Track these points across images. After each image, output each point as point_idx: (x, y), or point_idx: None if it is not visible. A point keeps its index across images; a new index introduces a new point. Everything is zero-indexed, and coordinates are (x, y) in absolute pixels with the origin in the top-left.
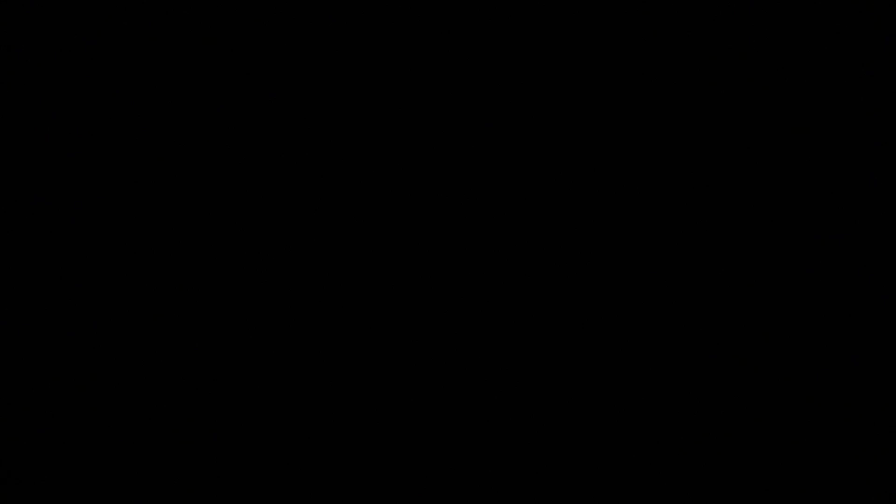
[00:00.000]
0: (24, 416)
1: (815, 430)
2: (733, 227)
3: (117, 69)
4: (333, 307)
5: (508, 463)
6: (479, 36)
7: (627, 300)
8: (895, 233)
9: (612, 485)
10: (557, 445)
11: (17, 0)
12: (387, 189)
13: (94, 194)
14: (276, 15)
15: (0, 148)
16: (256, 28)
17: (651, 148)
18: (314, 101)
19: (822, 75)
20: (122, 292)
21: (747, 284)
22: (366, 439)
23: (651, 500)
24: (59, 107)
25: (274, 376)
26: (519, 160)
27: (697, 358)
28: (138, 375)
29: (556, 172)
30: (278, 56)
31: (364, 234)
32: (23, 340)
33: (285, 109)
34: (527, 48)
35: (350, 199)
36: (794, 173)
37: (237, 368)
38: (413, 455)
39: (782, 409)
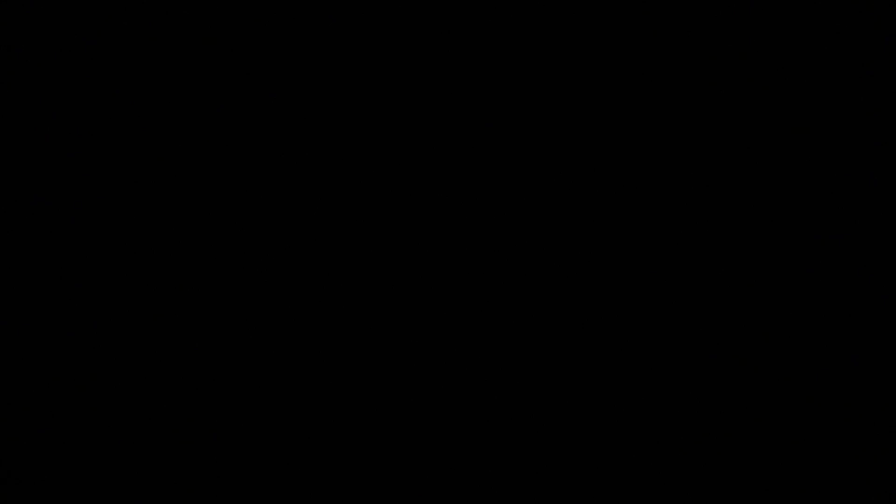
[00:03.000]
0: (24, 416)
1: (815, 430)
2: (733, 227)
3: (117, 69)
4: (333, 307)
5: (508, 463)
6: (480, 36)
7: (627, 300)
8: (895, 233)
9: (613, 485)
10: (557, 445)
11: (17, 0)
12: (386, 189)
13: (94, 194)
14: (276, 15)
15: (0, 148)
16: (256, 28)
17: (651, 148)
18: (314, 101)
19: (822, 75)
20: (122, 292)
21: (747, 284)
22: (366, 439)
23: (651, 500)
24: (59, 107)
25: (274, 376)
26: (518, 160)
27: (697, 358)
28: (138, 375)
29: (555, 172)
30: (278, 56)
31: (364, 233)
32: (23, 340)
33: (285, 109)
34: (527, 48)
35: (350, 199)
36: (794, 173)
37: (237, 368)
38: (413, 455)
39: (782, 409)
